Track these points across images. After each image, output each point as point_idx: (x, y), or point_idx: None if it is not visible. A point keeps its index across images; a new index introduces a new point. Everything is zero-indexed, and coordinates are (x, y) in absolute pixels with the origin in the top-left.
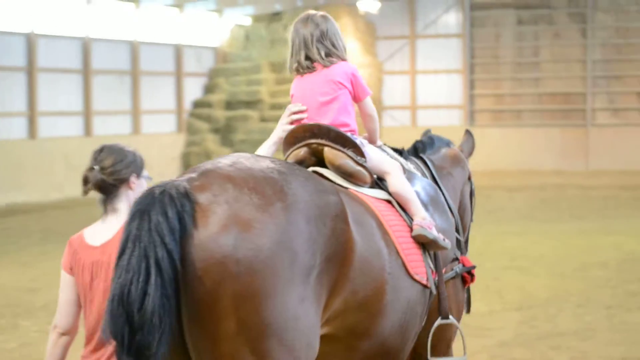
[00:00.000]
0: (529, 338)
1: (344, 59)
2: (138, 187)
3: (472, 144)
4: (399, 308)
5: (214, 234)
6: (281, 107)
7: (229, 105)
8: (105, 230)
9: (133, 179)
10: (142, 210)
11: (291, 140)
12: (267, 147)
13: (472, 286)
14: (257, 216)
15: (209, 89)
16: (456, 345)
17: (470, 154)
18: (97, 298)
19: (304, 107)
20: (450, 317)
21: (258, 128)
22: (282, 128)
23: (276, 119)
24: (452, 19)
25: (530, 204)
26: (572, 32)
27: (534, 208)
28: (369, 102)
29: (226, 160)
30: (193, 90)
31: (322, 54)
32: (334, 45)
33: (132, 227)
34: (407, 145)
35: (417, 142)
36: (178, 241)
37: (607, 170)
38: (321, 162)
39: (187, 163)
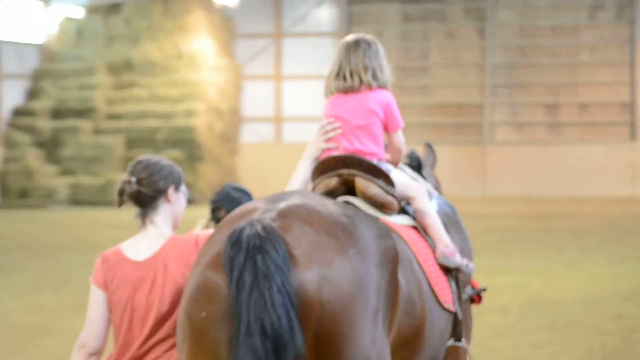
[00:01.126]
0: None
1: (384, 87)
2: (176, 201)
3: (434, 158)
4: (434, 340)
5: (301, 277)
6: (120, 117)
7: (56, 114)
8: (147, 244)
9: (171, 191)
10: (258, 247)
11: (322, 169)
12: (305, 169)
13: None
14: (337, 261)
15: (32, 94)
16: None
17: (432, 169)
18: (139, 313)
19: (337, 124)
20: (463, 340)
21: (91, 142)
22: (317, 147)
23: (113, 131)
24: (326, 15)
25: None
26: (467, 31)
27: None
28: (399, 135)
29: (294, 199)
30: (12, 95)
31: (367, 78)
32: (378, 71)
33: (259, 262)
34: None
35: (413, 156)
36: (285, 278)
37: (507, 196)
38: (351, 192)
39: (4, 184)
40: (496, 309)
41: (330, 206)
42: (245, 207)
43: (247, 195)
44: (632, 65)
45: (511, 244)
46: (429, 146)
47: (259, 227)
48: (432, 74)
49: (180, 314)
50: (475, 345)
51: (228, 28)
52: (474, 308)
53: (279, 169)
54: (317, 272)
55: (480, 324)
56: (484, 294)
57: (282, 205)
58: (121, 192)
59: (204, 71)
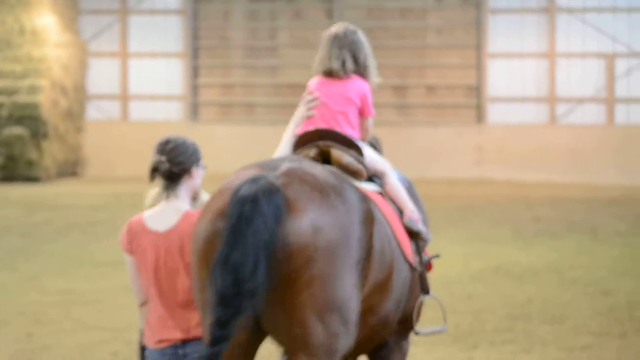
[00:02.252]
0: None
1: (363, 76)
2: (197, 176)
3: (380, 150)
4: (398, 286)
5: (300, 224)
6: None
7: None
8: (168, 216)
9: (194, 168)
10: (251, 197)
11: (302, 141)
12: (289, 134)
13: None
14: (328, 214)
15: None
16: (436, 316)
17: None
18: (164, 280)
19: (317, 96)
20: (431, 292)
21: None
22: (300, 115)
23: None
24: None
25: None
26: (315, 11)
27: None
28: (369, 120)
29: (292, 163)
30: None
31: (348, 66)
32: (359, 62)
33: (245, 210)
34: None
35: (374, 140)
36: (276, 227)
37: None
38: (327, 161)
39: None
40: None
41: (321, 170)
42: (245, 170)
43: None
44: (479, 48)
45: None
46: (375, 139)
47: (261, 182)
48: (281, 54)
49: (194, 256)
50: None
51: (72, 3)
52: None
53: (125, 146)
54: (312, 221)
55: None
56: (434, 261)
57: (284, 167)
58: (155, 169)
59: (47, 47)
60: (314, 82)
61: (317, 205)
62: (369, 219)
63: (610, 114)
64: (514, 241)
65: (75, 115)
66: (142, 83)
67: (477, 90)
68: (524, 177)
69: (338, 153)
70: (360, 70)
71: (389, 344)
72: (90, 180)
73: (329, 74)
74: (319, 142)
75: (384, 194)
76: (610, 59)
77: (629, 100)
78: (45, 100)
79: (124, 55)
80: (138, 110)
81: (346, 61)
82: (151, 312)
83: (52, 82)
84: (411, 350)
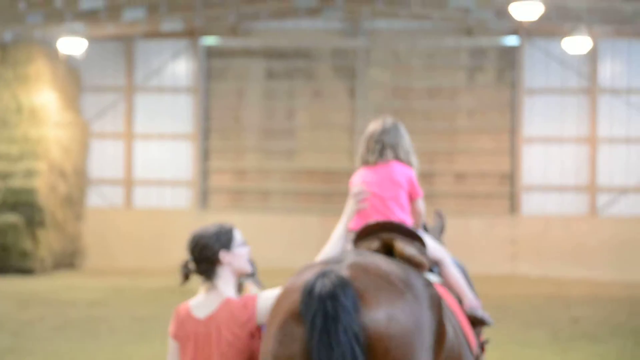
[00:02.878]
0: None
1: (406, 162)
2: (232, 259)
3: (443, 225)
4: None
5: (374, 315)
6: None
7: None
8: (208, 304)
9: (222, 255)
10: (330, 294)
11: (364, 233)
12: (341, 229)
13: None
14: (398, 303)
15: None
16: None
17: (441, 234)
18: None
19: (366, 190)
20: None
21: None
22: (351, 209)
23: None
24: (182, 69)
25: None
26: (337, 90)
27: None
28: (420, 202)
29: (355, 256)
30: None
31: (387, 155)
32: (402, 149)
33: (329, 308)
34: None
35: (438, 222)
36: (356, 317)
37: None
38: (389, 253)
39: None
40: None
41: (384, 260)
42: (308, 269)
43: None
44: (513, 132)
45: None
46: (438, 214)
47: (332, 277)
48: (298, 137)
49: (264, 355)
50: None
51: (74, 80)
52: None
53: (128, 236)
54: (385, 311)
55: None
56: (486, 346)
57: (348, 260)
58: (184, 272)
59: (46, 127)
60: (357, 175)
61: (386, 295)
62: (436, 304)
63: None
64: (551, 345)
65: (74, 202)
66: (148, 167)
67: (510, 178)
68: (561, 274)
69: (401, 245)
70: (403, 159)
71: None
72: (89, 273)
73: (370, 163)
74: (382, 235)
75: (444, 282)
76: None
77: None
78: (43, 185)
79: (128, 136)
80: (143, 197)
81: (384, 152)
82: None
83: (51, 165)
84: None
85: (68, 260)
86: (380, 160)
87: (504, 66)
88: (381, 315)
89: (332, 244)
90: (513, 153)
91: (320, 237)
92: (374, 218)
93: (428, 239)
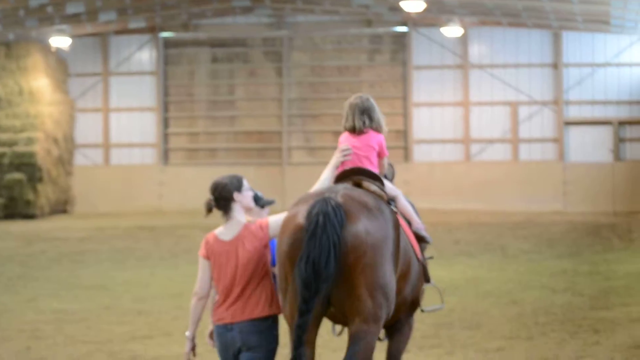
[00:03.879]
0: None
1: (377, 130)
2: (242, 198)
3: (393, 174)
4: (413, 275)
5: (356, 228)
6: None
7: None
8: (231, 230)
9: (235, 195)
10: (323, 212)
11: (341, 176)
12: (329, 172)
13: (175, 327)
14: (374, 222)
15: None
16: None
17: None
18: (230, 272)
19: (350, 148)
20: (432, 281)
21: None
22: (335, 159)
23: None
24: (146, 57)
25: None
26: (267, 70)
27: None
28: (385, 160)
29: (344, 190)
30: None
31: (367, 124)
32: (373, 119)
33: (319, 220)
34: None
35: (389, 171)
36: (341, 231)
37: None
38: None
39: None
40: None
41: (365, 193)
42: (311, 194)
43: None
44: (405, 99)
45: None
46: (390, 165)
47: (331, 201)
48: (238, 107)
49: (280, 254)
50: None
51: (62, 68)
52: None
53: (107, 187)
54: (364, 226)
55: (280, 319)
56: (429, 260)
57: (341, 191)
58: (208, 207)
59: (42, 105)
60: (344, 136)
61: (365, 216)
62: (397, 226)
63: (515, 152)
64: (438, 260)
65: (65, 162)
66: (121, 133)
67: (404, 134)
68: (444, 207)
69: (367, 184)
70: (374, 126)
71: (401, 319)
72: (78, 216)
73: (353, 130)
74: (354, 177)
75: (398, 211)
76: (514, 106)
77: (530, 141)
78: (40, 150)
79: (105, 110)
80: (118, 157)
81: (365, 121)
82: (216, 300)
83: (46, 134)
84: (342, 354)
85: (61, 207)
86: (362, 129)
87: (396, 49)
88: (361, 229)
89: (321, 182)
90: (405, 115)
91: (256, 182)
92: (350, 166)
93: (387, 182)
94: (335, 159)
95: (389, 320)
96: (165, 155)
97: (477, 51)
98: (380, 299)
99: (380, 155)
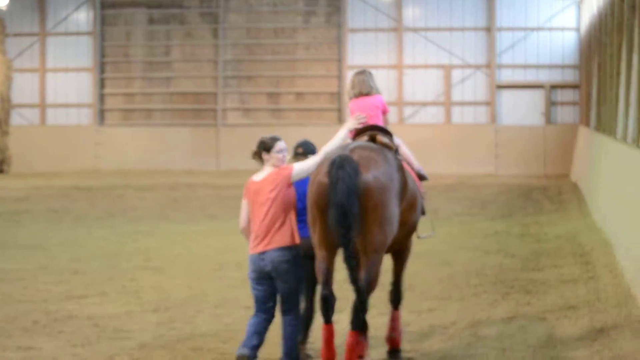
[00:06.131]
0: (170, 340)
1: (379, 93)
2: (269, 157)
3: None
4: (417, 206)
5: (366, 176)
6: None
7: None
8: (262, 174)
9: (263, 154)
10: (340, 165)
11: (359, 132)
12: (344, 134)
13: (110, 287)
14: (380, 169)
15: None
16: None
17: None
18: (260, 210)
19: (365, 117)
20: (427, 213)
21: None
22: (352, 124)
23: None
24: (83, 17)
25: (163, 204)
26: (203, 32)
27: (166, 208)
28: (388, 115)
29: (355, 145)
30: None
31: (369, 89)
32: (374, 86)
33: (339, 171)
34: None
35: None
36: (356, 179)
37: (238, 170)
38: (374, 141)
39: None
40: (234, 264)
41: (370, 146)
42: (335, 150)
43: (312, 144)
44: (340, 61)
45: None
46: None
47: (343, 156)
48: (174, 68)
49: (310, 201)
50: (217, 294)
51: (0, 28)
52: None
53: (44, 147)
54: (373, 174)
55: (220, 278)
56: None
57: (352, 147)
58: (253, 155)
59: None
60: (353, 102)
61: (373, 164)
62: (400, 168)
63: (448, 115)
64: None
65: (1, 122)
66: (57, 94)
67: (338, 96)
68: None
69: (380, 137)
70: (375, 89)
71: (403, 244)
72: (14, 176)
73: (360, 95)
74: (369, 132)
75: (402, 157)
76: (447, 69)
77: (462, 104)
78: None
79: (42, 70)
80: (54, 117)
81: (371, 86)
82: (251, 232)
83: None
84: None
85: None
86: (368, 94)
87: (332, 11)
88: (370, 176)
89: (337, 140)
90: (340, 77)
91: (191, 143)
92: (365, 124)
93: (392, 135)
94: (350, 123)
95: (394, 246)
96: (101, 116)
97: (411, 14)
98: (388, 230)
99: (384, 112)
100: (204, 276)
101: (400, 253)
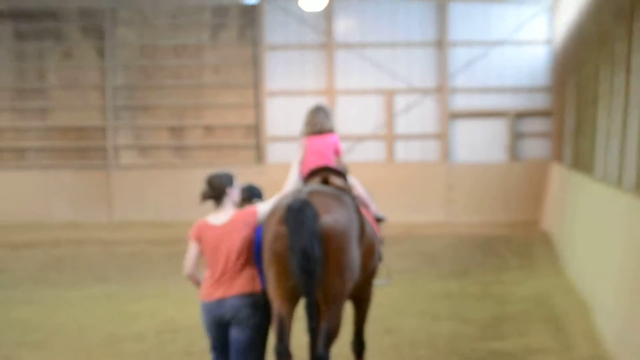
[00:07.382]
0: None
1: (333, 131)
2: (232, 193)
3: (346, 168)
4: (374, 252)
5: (326, 219)
6: None
7: None
8: (222, 217)
9: (228, 189)
10: (299, 209)
11: (312, 174)
12: (294, 178)
13: None
14: (340, 212)
15: None
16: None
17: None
18: (222, 253)
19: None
20: (383, 259)
21: None
22: (297, 167)
23: None
24: None
25: (42, 264)
26: (86, 50)
27: (47, 269)
28: (341, 158)
29: (310, 188)
30: None
31: (324, 128)
32: (331, 124)
33: (298, 215)
34: None
35: (344, 168)
36: (315, 222)
37: (134, 222)
38: (326, 183)
39: None
40: (132, 335)
41: (327, 188)
42: (285, 197)
43: (257, 188)
44: (256, 87)
45: (142, 270)
46: (343, 164)
47: (301, 200)
48: (51, 96)
49: (266, 248)
50: None
51: None
52: None
53: None
54: (332, 216)
55: (115, 353)
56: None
57: (308, 190)
58: (203, 196)
59: None
60: (307, 140)
61: (332, 208)
62: (358, 211)
63: (390, 151)
64: None
65: None
66: None
67: (256, 129)
68: None
69: (333, 179)
70: (331, 130)
71: (365, 289)
72: None
73: (316, 133)
74: (323, 173)
75: (357, 198)
76: (389, 95)
77: (408, 137)
78: None
79: None
80: None
81: (323, 127)
82: (205, 278)
83: None
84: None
85: None
86: (322, 132)
87: (245, 24)
88: (330, 219)
89: (291, 183)
90: (257, 106)
91: (75, 190)
92: (317, 164)
93: (348, 176)
94: (296, 161)
95: (355, 292)
96: None
97: (343, 27)
98: (348, 277)
99: (337, 154)
100: (94, 352)
101: (360, 302)
